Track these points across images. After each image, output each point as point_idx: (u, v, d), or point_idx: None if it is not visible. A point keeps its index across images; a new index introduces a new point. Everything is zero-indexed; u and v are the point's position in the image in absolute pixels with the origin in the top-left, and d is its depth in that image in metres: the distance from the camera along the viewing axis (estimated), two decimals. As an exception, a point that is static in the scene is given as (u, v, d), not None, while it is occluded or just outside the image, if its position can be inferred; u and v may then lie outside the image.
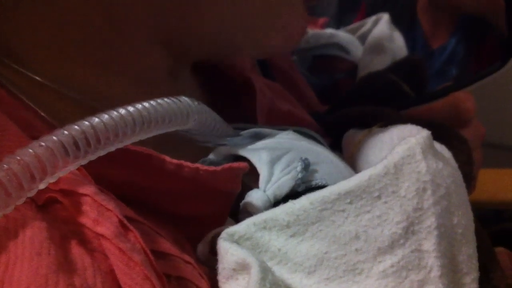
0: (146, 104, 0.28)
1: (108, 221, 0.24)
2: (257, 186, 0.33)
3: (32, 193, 0.23)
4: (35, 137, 0.26)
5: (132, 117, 0.27)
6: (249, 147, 0.35)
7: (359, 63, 0.67)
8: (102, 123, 0.25)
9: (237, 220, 0.33)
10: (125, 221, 0.25)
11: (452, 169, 0.32)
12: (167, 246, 0.27)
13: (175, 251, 0.28)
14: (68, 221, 0.25)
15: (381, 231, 0.28)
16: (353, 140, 0.46)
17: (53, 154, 0.24)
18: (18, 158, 0.23)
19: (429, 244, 0.29)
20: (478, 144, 0.54)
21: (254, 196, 0.32)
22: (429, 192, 0.29)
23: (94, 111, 0.26)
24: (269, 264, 0.28)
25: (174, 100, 0.30)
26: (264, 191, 0.32)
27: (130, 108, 0.27)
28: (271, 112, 0.46)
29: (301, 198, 0.29)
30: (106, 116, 0.26)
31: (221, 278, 0.28)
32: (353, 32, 0.72)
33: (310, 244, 0.28)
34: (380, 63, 0.64)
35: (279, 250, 0.28)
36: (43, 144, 0.24)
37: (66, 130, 0.25)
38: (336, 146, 0.50)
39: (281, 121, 0.48)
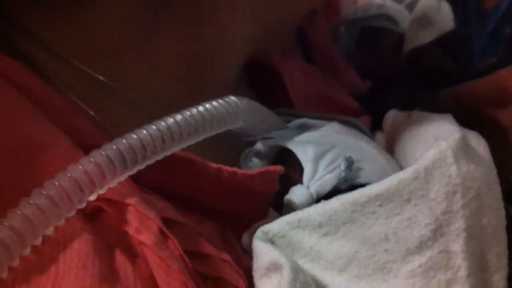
0: (194, 110, 0.28)
1: (149, 230, 0.25)
2: (300, 179, 0.33)
3: (82, 206, 0.24)
4: (87, 144, 0.27)
5: (179, 127, 0.27)
6: (295, 138, 0.35)
7: (405, 35, 0.65)
8: (149, 136, 0.26)
9: (280, 213, 0.33)
10: (165, 230, 0.25)
11: (485, 168, 0.31)
12: (206, 246, 0.28)
13: (214, 251, 0.28)
14: (113, 230, 0.26)
15: (410, 233, 0.28)
16: (394, 123, 0.45)
17: (101, 170, 0.24)
18: (69, 175, 0.24)
19: (457, 245, 0.28)
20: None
21: (298, 192, 0.32)
22: (458, 195, 0.28)
23: (151, 116, 0.27)
24: (302, 261, 0.29)
25: (222, 102, 0.29)
26: (308, 187, 0.32)
27: (178, 117, 0.27)
28: (308, 96, 0.46)
29: (333, 199, 0.29)
30: (153, 127, 0.26)
31: (256, 275, 0.28)
32: (399, 1, 0.69)
33: (341, 244, 0.29)
34: (426, 36, 0.62)
35: (312, 248, 0.29)
36: (92, 160, 0.24)
37: (114, 145, 0.25)
38: (376, 124, 0.49)
39: (320, 104, 0.47)
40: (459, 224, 0.28)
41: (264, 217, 0.33)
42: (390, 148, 0.42)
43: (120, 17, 0.31)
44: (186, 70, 0.34)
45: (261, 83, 0.46)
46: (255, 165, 0.35)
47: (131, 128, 0.29)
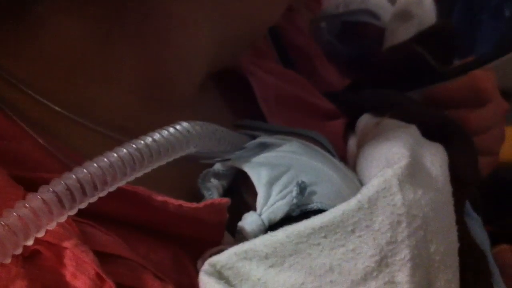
0: (140, 142, 0.27)
1: (85, 275, 0.25)
2: (254, 203, 0.32)
3: (18, 251, 0.24)
4: (32, 176, 0.27)
5: (122, 162, 0.26)
6: (252, 160, 0.35)
7: (386, 30, 0.64)
8: (89, 175, 0.25)
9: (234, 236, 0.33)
10: (102, 273, 0.25)
11: (435, 192, 0.30)
12: (149, 281, 0.28)
13: (158, 286, 0.28)
14: (51, 273, 0.25)
15: (355, 264, 0.28)
16: (364, 129, 0.45)
17: (36, 215, 0.24)
18: (2, 223, 0.24)
19: (403, 275, 0.28)
20: (498, 120, 0.51)
21: (249, 220, 0.31)
22: (403, 224, 0.28)
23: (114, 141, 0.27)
24: (250, 292, 0.28)
25: (172, 131, 0.29)
26: (260, 214, 0.32)
27: (122, 151, 0.26)
28: (280, 100, 0.45)
29: (279, 230, 0.29)
30: (94, 165, 0.25)
31: (202, 309, 0.28)
32: (381, -6, 0.68)
33: (287, 275, 0.28)
34: (406, 31, 0.61)
35: (259, 279, 0.28)
36: (27, 205, 0.24)
37: (51, 187, 0.25)
38: (351, 125, 0.48)
39: (293, 108, 0.46)
40: (404, 254, 0.28)
41: (218, 242, 0.32)
42: (357, 156, 0.42)
43: (72, 35, 0.30)
44: (142, 87, 0.34)
45: (230, 88, 0.45)
46: (214, 186, 0.35)
47: (87, 152, 0.29)
